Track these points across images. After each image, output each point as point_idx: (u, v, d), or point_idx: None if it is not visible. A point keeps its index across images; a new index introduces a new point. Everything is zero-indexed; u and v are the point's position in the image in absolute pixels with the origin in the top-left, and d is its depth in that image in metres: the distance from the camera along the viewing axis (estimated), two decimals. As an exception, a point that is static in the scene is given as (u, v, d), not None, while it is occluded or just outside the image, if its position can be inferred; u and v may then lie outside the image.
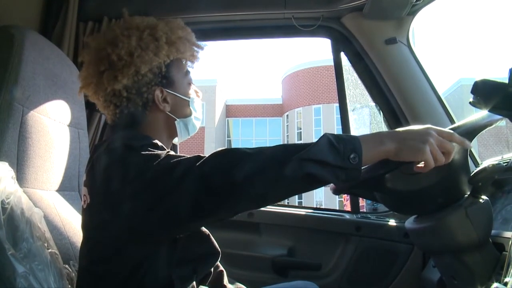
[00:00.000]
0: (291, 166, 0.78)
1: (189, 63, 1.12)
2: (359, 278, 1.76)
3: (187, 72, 1.10)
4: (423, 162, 0.86)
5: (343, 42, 1.87)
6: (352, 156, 0.80)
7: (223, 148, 0.85)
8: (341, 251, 1.80)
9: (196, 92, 1.11)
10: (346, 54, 1.90)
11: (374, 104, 1.91)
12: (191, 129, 1.08)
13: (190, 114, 1.08)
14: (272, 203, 0.86)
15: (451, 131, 0.90)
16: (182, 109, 1.06)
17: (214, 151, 0.84)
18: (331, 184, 1.14)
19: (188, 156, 0.86)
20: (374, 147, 0.84)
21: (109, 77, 0.98)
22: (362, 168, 0.95)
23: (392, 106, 1.80)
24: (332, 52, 1.93)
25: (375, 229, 1.80)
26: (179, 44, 1.05)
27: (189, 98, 1.07)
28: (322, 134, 0.83)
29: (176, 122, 1.05)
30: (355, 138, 0.84)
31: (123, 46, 0.98)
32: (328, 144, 0.81)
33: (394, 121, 1.80)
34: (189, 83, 1.09)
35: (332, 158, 0.79)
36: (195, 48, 1.11)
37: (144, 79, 1.00)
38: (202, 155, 0.84)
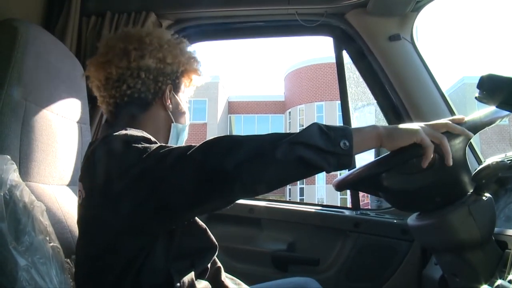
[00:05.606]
0: (282, 149, 0.78)
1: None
2: (357, 274, 1.78)
3: (186, 91, 1.18)
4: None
5: (345, 40, 1.87)
6: (343, 142, 0.81)
7: (216, 136, 0.84)
8: (339, 247, 1.82)
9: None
10: (348, 52, 1.90)
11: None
12: (180, 140, 1.13)
13: (184, 123, 1.14)
14: (266, 190, 0.85)
15: (446, 121, 0.91)
16: (180, 116, 1.13)
17: (206, 139, 0.83)
18: (334, 181, 1.14)
19: (181, 146, 0.86)
20: (366, 133, 0.86)
21: (136, 55, 1.04)
22: (362, 166, 0.95)
23: (393, 104, 1.80)
24: (334, 50, 1.94)
25: (373, 226, 1.81)
26: (194, 61, 1.15)
27: (186, 111, 1.15)
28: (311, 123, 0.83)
29: (172, 124, 1.10)
30: (345, 126, 0.85)
31: (155, 36, 1.09)
32: (318, 130, 0.81)
33: (395, 119, 1.80)
34: (187, 101, 1.17)
35: (323, 143, 0.80)
36: (198, 76, 1.18)
37: (165, 69, 1.07)
38: (193, 144, 0.84)
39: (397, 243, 1.75)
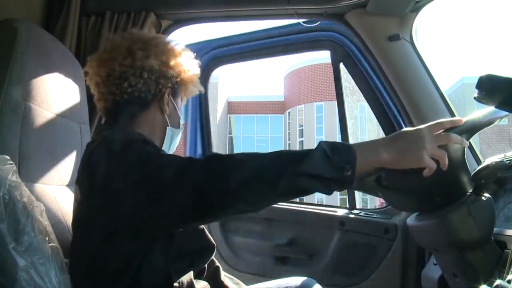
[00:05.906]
0: (285, 180, 0.79)
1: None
2: (342, 270, 1.91)
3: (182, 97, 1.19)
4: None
5: (342, 54, 1.98)
6: (346, 168, 0.81)
7: (215, 153, 0.87)
8: (328, 244, 1.95)
9: None
10: (345, 65, 2.00)
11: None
12: (173, 144, 1.14)
13: (179, 128, 1.15)
14: (262, 209, 0.87)
15: (448, 134, 0.90)
16: (175, 120, 1.13)
17: (206, 156, 0.85)
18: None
19: (180, 157, 0.87)
20: (369, 158, 0.85)
21: (141, 54, 1.06)
22: None
23: (388, 116, 1.90)
24: (332, 63, 2.04)
25: (357, 224, 1.93)
26: (193, 68, 1.17)
27: (181, 116, 1.16)
28: (318, 143, 0.84)
29: (168, 128, 1.11)
30: (351, 149, 0.84)
31: (160, 41, 1.12)
32: (323, 155, 0.81)
33: (392, 130, 1.82)
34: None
35: (326, 171, 0.80)
36: (194, 84, 1.20)
37: (167, 73, 1.08)
38: (194, 157, 0.85)
39: (379, 241, 1.86)
